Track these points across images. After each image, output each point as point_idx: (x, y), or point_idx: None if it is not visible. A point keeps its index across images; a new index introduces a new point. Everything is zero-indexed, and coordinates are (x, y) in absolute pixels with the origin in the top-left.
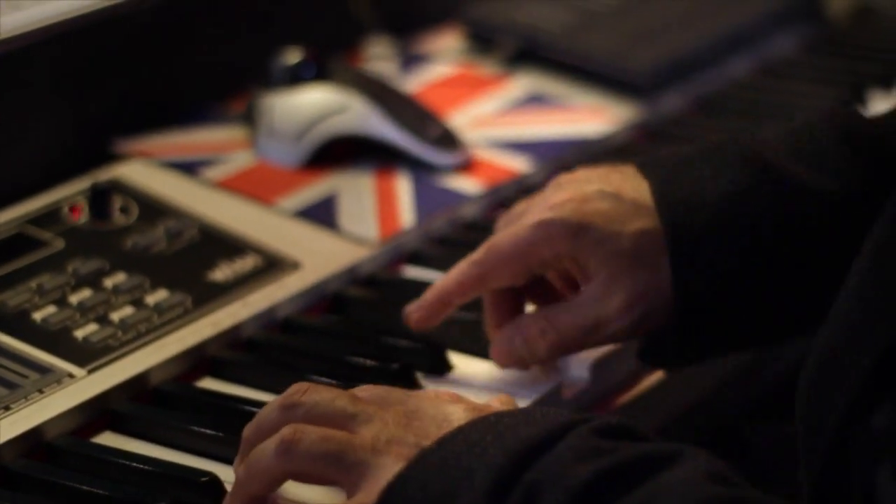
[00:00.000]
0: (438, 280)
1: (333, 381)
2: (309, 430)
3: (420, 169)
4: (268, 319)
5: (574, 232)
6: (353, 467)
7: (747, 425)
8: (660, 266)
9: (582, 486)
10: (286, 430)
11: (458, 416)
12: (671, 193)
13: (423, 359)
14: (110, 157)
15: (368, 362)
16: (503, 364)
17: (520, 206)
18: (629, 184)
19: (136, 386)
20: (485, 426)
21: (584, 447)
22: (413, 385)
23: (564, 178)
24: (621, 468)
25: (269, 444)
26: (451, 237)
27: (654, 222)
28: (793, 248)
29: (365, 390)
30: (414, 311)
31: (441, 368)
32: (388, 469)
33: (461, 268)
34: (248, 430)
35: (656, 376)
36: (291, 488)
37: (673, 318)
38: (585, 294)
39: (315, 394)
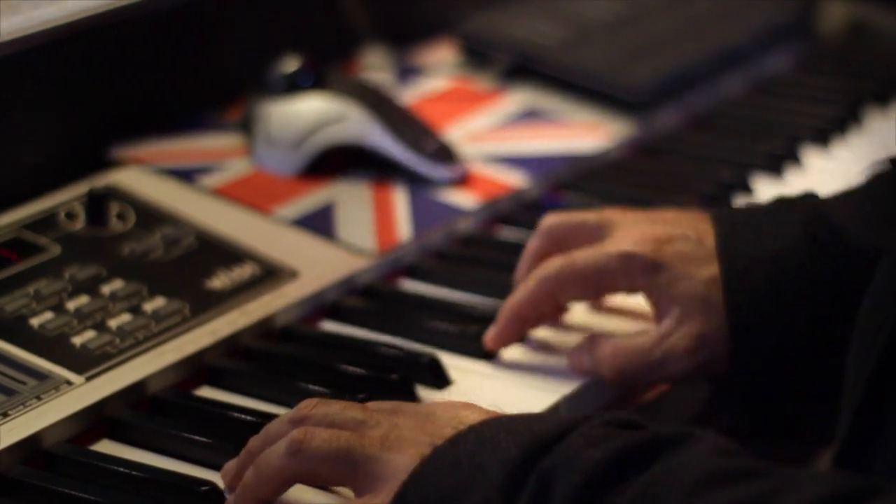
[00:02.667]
0: (511, 297)
1: (330, 392)
2: (319, 430)
3: (416, 182)
4: (266, 328)
5: (651, 270)
6: (363, 465)
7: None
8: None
9: (594, 466)
10: (296, 432)
11: (471, 419)
12: (733, 247)
13: (423, 372)
14: (107, 164)
15: (366, 372)
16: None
17: (610, 217)
18: (709, 233)
19: (134, 394)
20: (498, 425)
21: (595, 434)
22: (412, 397)
23: (657, 216)
24: (633, 449)
25: (279, 446)
26: (447, 251)
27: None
28: (850, 306)
29: (376, 403)
30: (491, 336)
31: (440, 383)
32: (401, 467)
33: (532, 284)
34: (254, 441)
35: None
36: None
37: (730, 367)
38: (657, 331)
39: (325, 406)
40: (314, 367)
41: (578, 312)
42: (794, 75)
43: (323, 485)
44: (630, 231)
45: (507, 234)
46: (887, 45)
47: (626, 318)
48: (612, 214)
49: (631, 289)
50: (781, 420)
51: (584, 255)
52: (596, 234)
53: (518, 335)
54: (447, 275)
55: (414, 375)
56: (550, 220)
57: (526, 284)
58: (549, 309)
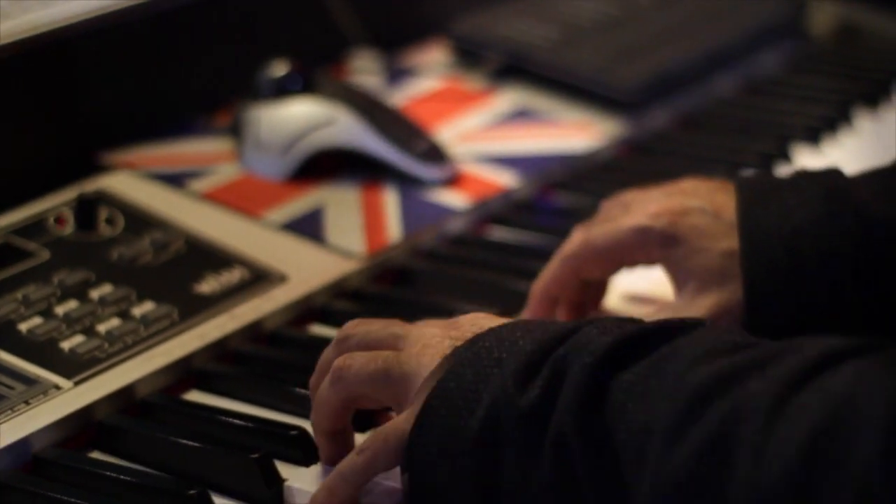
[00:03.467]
0: (536, 281)
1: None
2: (357, 355)
3: (407, 183)
4: (254, 332)
5: (667, 243)
6: (401, 380)
7: None
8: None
9: (605, 347)
10: (338, 361)
11: (491, 323)
12: (753, 219)
13: None
14: (96, 169)
15: None
16: None
17: (628, 197)
18: (729, 205)
19: (122, 398)
20: (515, 326)
21: (608, 325)
22: None
23: (674, 188)
24: (642, 333)
25: (326, 378)
26: (437, 251)
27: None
28: (871, 281)
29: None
30: (524, 315)
31: None
32: (427, 371)
33: (555, 263)
34: (312, 379)
35: None
36: None
37: None
38: (673, 303)
39: (366, 325)
40: (303, 371)
41: (612, 301)
42: (785, 75)
43: (376, 405)
44: (647, 205)
45: (499, 234)
46: (878, 45)
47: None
48: (632, 195)
49: (648, 261)
50: None
51: (601, 231)
52: (616, 213)
53: (549, 314)
54: (436, 276)
55: None
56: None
57: (550, 265)
58: (576, 286)
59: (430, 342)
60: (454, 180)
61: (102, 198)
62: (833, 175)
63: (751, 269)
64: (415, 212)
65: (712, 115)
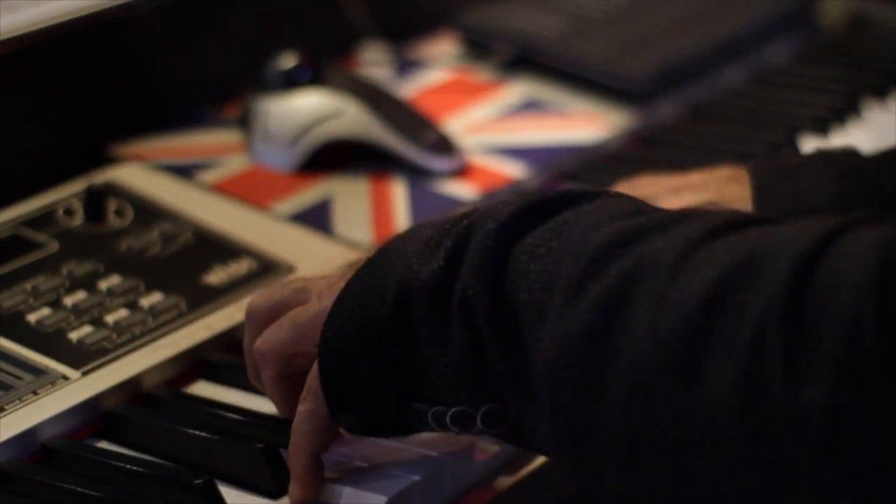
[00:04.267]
0: None
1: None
2: (266, 330)
3: (415, 174)
4: None
5: None
6: (311, 323)
7: None
8: None
9: (510, 212)
10: (255, 346)
11: None
12: (769, 205)
13: None
14: (105, 160)
15: None
16: None
17: (642, 180)
18: (742, 194)
19: (130, 388)
20: (428, 223)
21: (511, 198)
22: None
23: (684, 182)
24: (547, 200)
25: (253, 367)
26: None
27: None
28: None
29: None
30: None
31: None
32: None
33: None
34: (248, 373)
35: None
36: None
37: None
38: None
39: (268, 292)
40: None
41: None
42: (794, 66)
43: (311, 361)
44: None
45: None
46: (886, 37)
47: None
48: (644, 188)
49: None
50: None
51: None
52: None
53: None
54: None
55: None
56: None
57: None
58: None
59: (332, 280)
60: (463, 171)
61: (111, 189)
62: (847, 155)
63: None
64: (423, 203)
65: (721, 106)
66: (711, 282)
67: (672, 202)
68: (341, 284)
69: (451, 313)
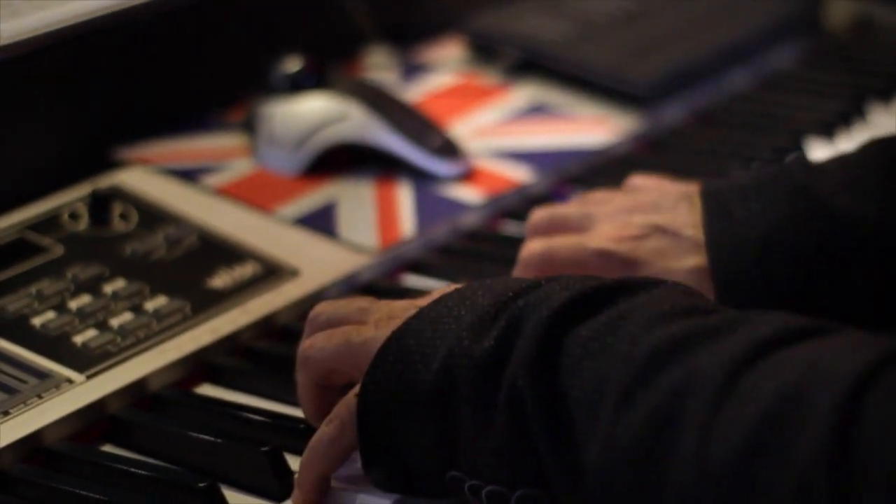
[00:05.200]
0: None
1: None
2: (320, 334)
3: (421, 178)
4: (267, 327)
5: (628, 268)
6: (362, 348)
7: None
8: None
9: (563, 301)
10: (302, 343)
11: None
12: (720, 233)
13: None
14: (110, 164)
15: None
16: None
17: (594, 196)
18: (692, 217)
19: (134, 392)
20: (478, 283)
21: (571, 281)
22: None
23: (636, 203)
24: (602, 289)
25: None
26: (452, 246)
27: (705, 261)
28: (839, 280)
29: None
30: None
31: None
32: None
33: (518, 268)
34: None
35: None
36: None
37: None
38: None
39: (334, 303)
40: None
41: None
42: (800, 70)
43: (349, 381)
44: (609, 226)
45: (513, 229)
46: (892, 40)
47: None
48: (595, 205)
49: None
50: None
51: (565, 245)
52: (578, 227)
53: None
54: (451, 270)
55: None
56: (536, 214)
57: (516, 268)
58: None
59: (394, 312)
60: (468, 175)
61: (116, 193)
62: (796, 171)
63: (723, 284)
64: (429, 207)
65: (727, 111)
66: (756, 418)
67: (625, 228)
68: (397, 322)
69: (497, 401)
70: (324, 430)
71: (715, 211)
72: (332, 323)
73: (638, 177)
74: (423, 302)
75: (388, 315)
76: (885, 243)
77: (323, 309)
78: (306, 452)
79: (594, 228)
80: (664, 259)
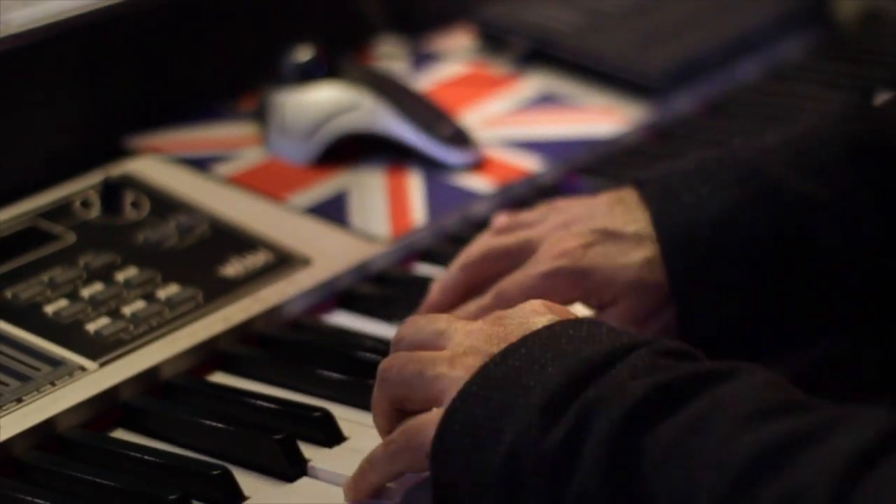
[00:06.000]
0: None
1: (344, 377)
2: (398, 356)
3: (431, 167)
4: (278, 315)
5: (579, 278)
6: (434, 382)
7: None
8: (666, 286)
9: (635, 400)
10: (382, 363)
11: (537, 324)
12: (669, 220)
13: None
14: (122, 153)
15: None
16: None
17: (524, 217)
18: (631, 215)
19: (147, 380)
20: (549, 338)
21: (641, 366)
22: None
23: (570, 215)
24: (677, 383)
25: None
26: (463, 235)
27: (656, 250)
28: (793, 260)
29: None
30: None
31: None
32: (458, 382)
33: (470, 312)
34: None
35: None
36: None
37: (680, 339)
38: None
39: (414, 324)
40: (327, 354)
41: None
42: (809, 61)
43: (420, 407)
44: (549, 244)
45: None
46: None
47: None
48: (529, 228)
49: (567, 301)
50: None
51: (513, 282)
52: (519, 255)
53: None
54: None
55: None
56: (469, 252)
57: (466, 313)
58: None
59: (471, 345)
60: (479, 165)
61: (128, 181)
62: (740, 154)
63: (675, 271)
64: (440, 196)
65: (737, 101)
66: None
67: (566, 240)
68: (475, 360)
69: (564, 496)
70: (381, 450)
71: (659, 197)
72: (413, 347)
73: (561, 200)
74: (501, 329)
75: (464, 348)
76: (837, 222)
77: (405, 332)
78: (362, 463)
79: (536, 254)
80: (612, 259)
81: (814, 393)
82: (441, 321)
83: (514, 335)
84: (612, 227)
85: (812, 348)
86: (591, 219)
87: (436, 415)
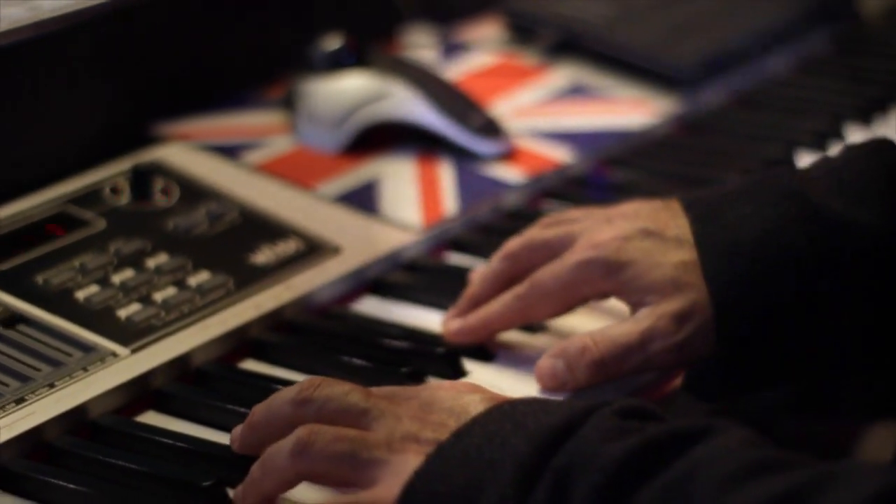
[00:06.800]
0: (486, 306)
1: (373, 365)
2: (324, 430)
3: (462, 157)
4: (309, 303)
5: (614, 270)
6: (369, 465)
7: (776, 421)
8: (702, 293)
9: (616, 464)
10: (302, 431)
11: (474, 407)
12: (711, 233)
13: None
14: (151, 140)
15: (409, 346)
16: (545, 386)
17: (570, 214)
18: (674, 222)
19: (178, 366)
20: (502, 415)
21: (608, 428)
22: (458, 371)
23: (615, 212)
24: (653, 445)
25: (285, 445)
26: (493, 225)
27: (695, 255)
28: (833, 283)
29: (377, 389)
30: (454, 328)
31: (483, 356)
32: (407, 465)
33: (506, 300)
34: (257, 415)
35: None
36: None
37: (715, 349)
38: (633, 316)
39: (327, 388)
40: (358, 342)
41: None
42: (836, 55)
43: (334, 485)
44: (589, 237)
45: (554, 208)
46: None
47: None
48: (571, 223)
49: (598, 294)
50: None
51: (548, 271)
52: (559, 248)
53: (481, 341)
54: (493, 248)
55: (459, 349)
56: (512, 243)
57: (501, 300)
58: (522, 324)
59: (408, 432)
60: (509, 155)
61: (157, 168)
62: (784, 177)
63: (714, 280)
64: (470, 185)
65: (765, 94)
66: None
67: (605, 231)
68: (418, 446)
69: None
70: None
71: (703, 217)
72: (325, 414)
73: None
74: (432, 420)
75: (401, 434)
76: (880, 247)
77: (317, 395)
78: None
79: (574, 246)
80: (651, 256)
81: (842, 414)
82: (356, 394)
83: (447, 417)
84: (654, 227)
85: (847, 369)
86: (635, 217)
87: (379, 493)
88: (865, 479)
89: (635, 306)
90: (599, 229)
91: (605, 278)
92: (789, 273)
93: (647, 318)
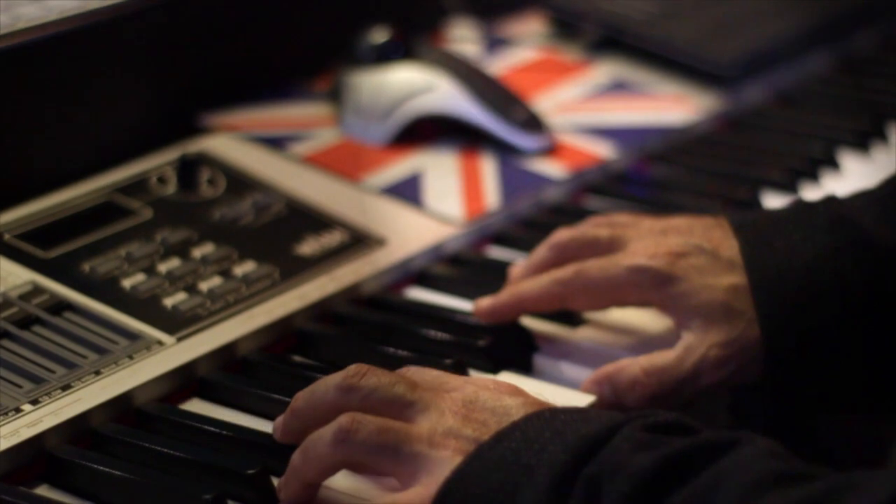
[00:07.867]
0: (520, 284)
1: (417, 356)
2: (367, 420)
3: (505, 151)
4: (354, 294)
5: (666, 283)
6: (410, 459)
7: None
8: (752, 320)
9: (644, 473)
10: (344, 419)
11: (516, 410)
12: (760, 257)
13: (510, 337)
14: (198, 130)
15: (453, 338)
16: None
17: (620, 218)
18: (727, 242)
19: (224, 355)
20: (542, 422)
21: (639, 439)
22: (498, 365)
23: (668, 225)
24: (681, 456)
25: (327, 432)
26: (535, 219)
27: (745, 280)
28: (882, 311)
29: (421, 373)
30: (486, 305)
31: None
32: (446, 463)
33: (544, 282)
34: (300, 401)
35: None
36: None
37: (763, 375)
38: (682, 344)
39: (373, 378)
40: (401, 333)
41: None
42: (879, 54)
43: (373, 474)
44: (644, 244)
45: (596, 203)
46: None
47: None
48: (623, 227)
49: (643, 302)
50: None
51: (597, 266)
52: (608, 248)
53: (512, 319)
54: (535, 243)
55: (502, 342)
56: (561, 234)
57: (539, 280)
58: (554, 309)
59: (449, 428)
60: (552, 150)
61: (204, 159)
62: (833, 204)
63: (765, 306)
64: (513, 180)
65: (807, 92)
66: None
67: (661, 244)
68: (458, 444)
69: None
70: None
71: (753, 241)
72: (370, 404)
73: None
74: (475, 421)
75: (443, 430)
76: None
77: (363, 383)
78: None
79: (626, 249)
80: (703, 275)
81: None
82: (402, 385)
83: (489, 417)
84: (708, 246)
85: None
86: (689, 233)
87: (417, 494)
88: (880, 485)
89: (680, 325)
90: (654, 240)
91: (654, 289)
92: (838, 300)
93: (697, 347)
